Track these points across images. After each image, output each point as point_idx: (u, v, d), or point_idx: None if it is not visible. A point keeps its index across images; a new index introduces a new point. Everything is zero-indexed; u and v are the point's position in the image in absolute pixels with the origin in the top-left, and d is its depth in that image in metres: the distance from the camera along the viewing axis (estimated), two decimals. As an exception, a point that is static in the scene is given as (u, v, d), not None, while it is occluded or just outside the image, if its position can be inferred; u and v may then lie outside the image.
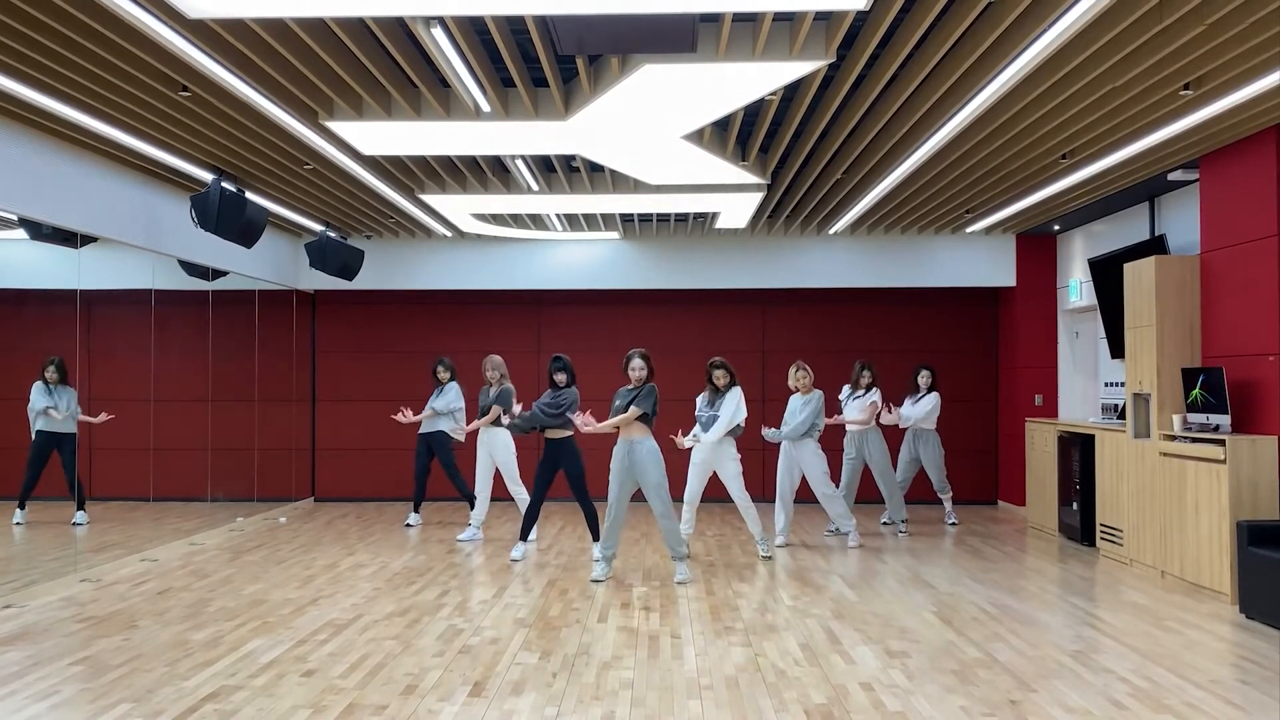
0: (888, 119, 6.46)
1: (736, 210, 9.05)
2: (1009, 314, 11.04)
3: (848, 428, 9.12)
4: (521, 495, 8.73)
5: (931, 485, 9.73)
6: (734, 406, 7.62)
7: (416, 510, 9.65)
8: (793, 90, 6.12)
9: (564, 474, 7.66)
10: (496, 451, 8.67)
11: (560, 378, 7.55)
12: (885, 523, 9.60)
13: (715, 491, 8.58)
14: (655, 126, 6.24)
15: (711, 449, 7.71)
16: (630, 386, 7.07)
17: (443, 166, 7.93)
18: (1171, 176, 7.56)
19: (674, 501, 7.15)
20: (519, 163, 7.50)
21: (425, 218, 9.63)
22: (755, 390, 11.38)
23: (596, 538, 7.55)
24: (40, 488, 9.71)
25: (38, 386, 8.18)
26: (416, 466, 9.48)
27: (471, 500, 8.94)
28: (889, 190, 8.25)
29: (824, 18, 4.92)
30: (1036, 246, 10.79)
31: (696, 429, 7.78)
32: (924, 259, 10.90)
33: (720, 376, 7.73)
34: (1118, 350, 8.54)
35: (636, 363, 7.08)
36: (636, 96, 5.59)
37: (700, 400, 7.95)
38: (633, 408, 6.93)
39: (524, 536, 7.99)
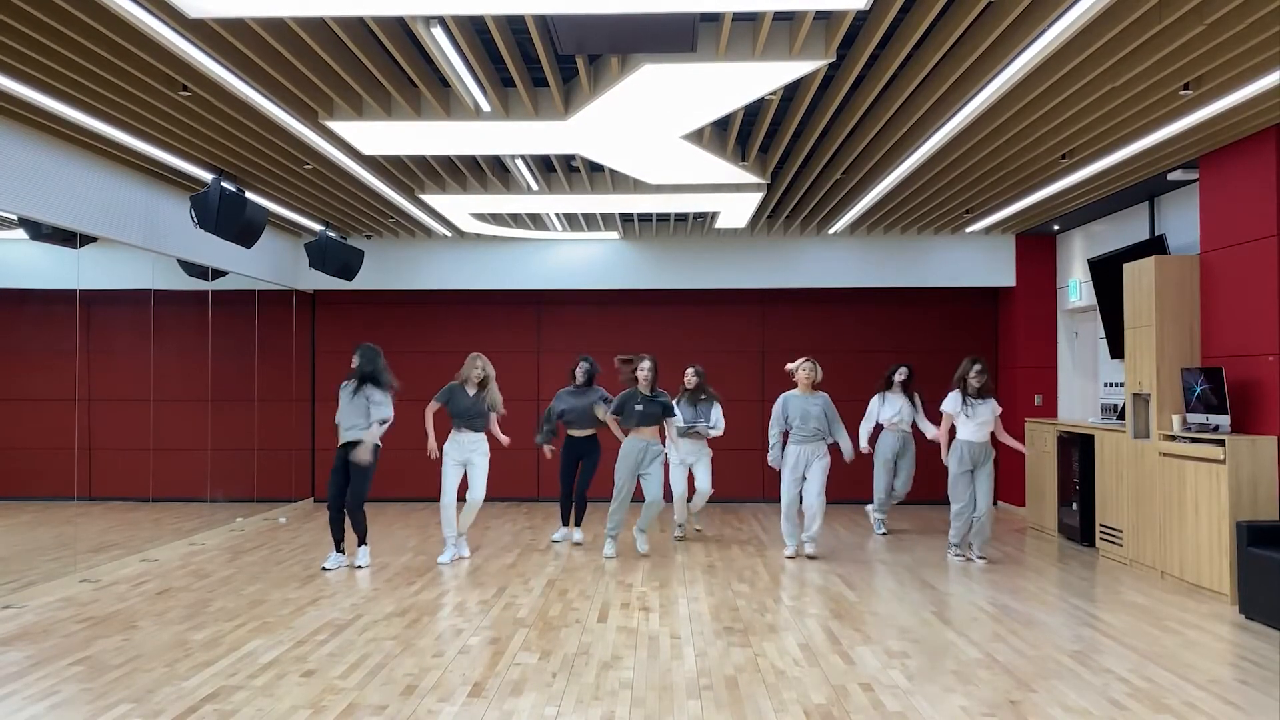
0: (888, 119, 6.46)
1: (736, 210, 9.05)
2: (1009, 314, 11.04)
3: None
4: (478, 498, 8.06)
5: (893, 490, 9.26)
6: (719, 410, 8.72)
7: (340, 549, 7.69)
8: (793, 90, 6.12)
9: (582, 467, 8.52)
10: (481, 458, 7.80)
11: (581, 371, 8.46)
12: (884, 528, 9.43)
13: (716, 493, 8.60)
14: (655, 126, 6.24)
15: (695, 447, 8.64)
16: (649, 393, 7.94)
17: (443, 166, 7.93)
18: (1171, 176, 7.56)
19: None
20: (519, 163, 7.50)
21: (425, 218, 9.63)
22: (754, 390, 11.39)
23: (565, 523, 8.70)
24: (39, 487, 9.74)
25: None
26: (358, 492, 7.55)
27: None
28: (889, 190, 8.25)
29: (824, 17, 4.93)
30: (1036, 246, 10.79)
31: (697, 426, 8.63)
32: (924, 259, 10.90)
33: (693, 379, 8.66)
34: (1117, 350, 8.54)
35: (647, 363, 7.97)
36: (636, 96, 5.59)
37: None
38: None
39: (579, 523, 8.63)
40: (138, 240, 7.83)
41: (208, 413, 9.49)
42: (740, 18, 4.90)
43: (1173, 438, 7.04)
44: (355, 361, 7.67)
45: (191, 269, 8.94)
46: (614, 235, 10.86)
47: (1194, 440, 6.79)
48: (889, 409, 9.05)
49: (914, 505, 10.80)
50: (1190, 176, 7.45)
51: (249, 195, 7.83)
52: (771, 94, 5.87)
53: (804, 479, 7.85)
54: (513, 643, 5.34)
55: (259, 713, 4.20)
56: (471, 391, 7.79)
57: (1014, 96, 5.81)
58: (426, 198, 8.53)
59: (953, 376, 7.95)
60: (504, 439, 8.02)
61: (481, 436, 7.84)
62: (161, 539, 8.38)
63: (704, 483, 8.67)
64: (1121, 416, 8.30)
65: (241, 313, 10.26)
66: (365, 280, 10.79)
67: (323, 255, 9.66)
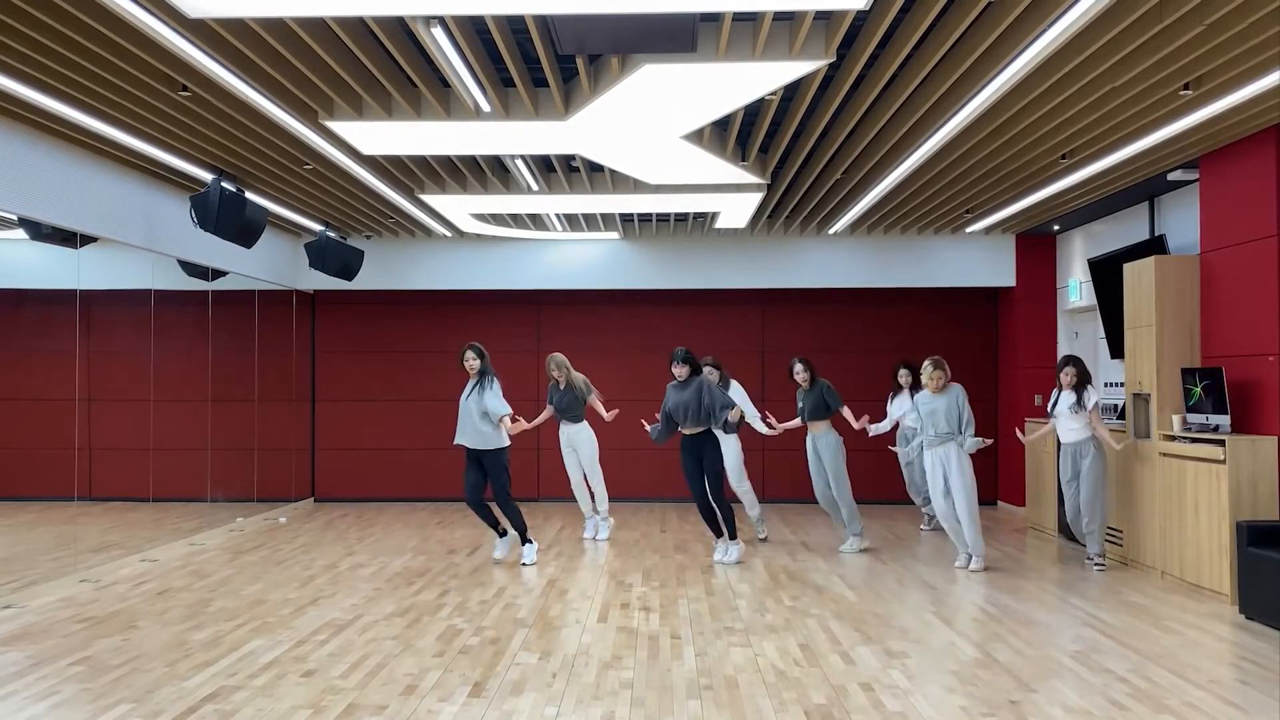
0: (888, 119, 6.46)
1: (736, 210, 9.05)
2: (1009, 314, 11.04)
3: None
4: (602, 487, 8.88)
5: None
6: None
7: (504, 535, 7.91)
8: (793, 90, 6.12)
9: (704, 469, 7.63)
10: (581, 446, 8.77)
11: (681, 370, 7.61)
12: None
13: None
14: (655, 126, 6.24)
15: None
16: (809, 387, 8.18)
17: (443, 166, 7.93)
18: (1171, 176, 7.56)
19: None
20: (519, 163, 7.50)
21: (425, 218, 9.63)
22: (755, 389, 11.36)
23: (732, 535, 7.75)
24: (39, 487, 9.73)
25: None
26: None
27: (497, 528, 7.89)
28: (889, 190, 8.25)
29: (824, 17, 4.93)
30: (1036, 246, 10.79)
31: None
32: (924, 259, 10.90)
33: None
34: (1117, 350, 8.54)
35: (799, 367, 8.21)
36: (636, 96, 5.59)
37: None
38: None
39: (733, 536, 7.77)
40: (138, 240, 7.83)
41: (208, 413, 9.49)
42: (740, 18, 4.89)
43: (1173, 438, 7.04)
44: (473, 360, 7.62)
45: (191, 269, 8.94)
46: (614, 235, 10.86)
47: (1194, 440, 6.79)
48: (902, 409, 9.00)
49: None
50: (1190, 176, 7.45)
51: (249, 195, 7.83)
52: (771, 94, 5.87)
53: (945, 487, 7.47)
54: (513, 643, 5.34)
55: (259, 713, 4.20)
56: (563, 386, 8.63)
57: (1014, 96, 5.81)
58: (426, 198, 8.53)
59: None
60: (606, 415, 8.64)
61: (579, 425, 8.75)
62: (161, 539, 8.38)
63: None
64: (1121, 416, 8.30)
65: (241, 313, 10.26)
66: (365, 280, 10.79)
67: (323, 255, 9.66)
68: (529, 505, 11.13)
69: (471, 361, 7.60)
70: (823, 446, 8.20)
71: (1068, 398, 7.51)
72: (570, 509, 10.57)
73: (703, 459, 7.63)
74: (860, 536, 8.26)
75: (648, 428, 7.88)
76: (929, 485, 7.69)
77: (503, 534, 7.84)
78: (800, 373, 8.27)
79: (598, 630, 5.61)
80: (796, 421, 8.40)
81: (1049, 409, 7.77)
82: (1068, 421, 7.54)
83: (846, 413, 8.19)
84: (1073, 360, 7.59)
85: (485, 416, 7.46)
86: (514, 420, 7.57)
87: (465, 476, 7.64)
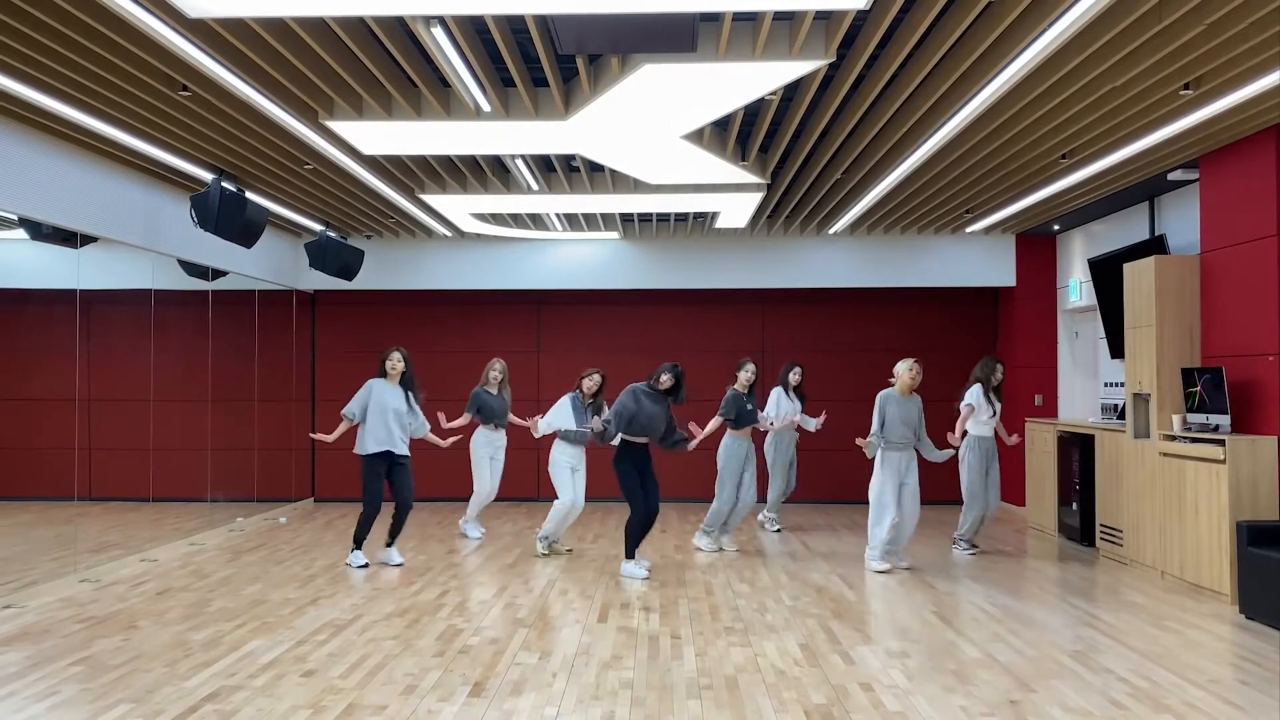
0: (888, 119, 6.46)
1: (736, 210, 9.05)
2: (1009, 314, 11.04)
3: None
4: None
5: (778, 490, 9.29)
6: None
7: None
8: (793, 90, 6.12)
9: (650, 477, 7.33)
10: (500, 453, 8.87)
11: (666, 379, 7.33)
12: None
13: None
14: (655, 126, 6.24)
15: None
16: (745, 391, 8.35)
17: (443, 166, 7.93)
18: (1171, 176, 7.56)
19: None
20: (519, 163, 7.50)
21: (425, 218, 9.63)
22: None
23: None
24: (39, 487, 9.74)
25: None
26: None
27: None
28: (889, 190, 8.25)
29: (824, 17, 4.93)
30: (1036, 246, 10.79)
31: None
32: (924, 259, 10.90)
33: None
34: (1117, 350, 8.54)
35: (752, 370, 8.45)
36: (636, 96, 5.59)
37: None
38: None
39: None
40: (138, 240, 7.83)
41: (208, 413, 9.49)
42: (740, 18, 4.89)
43: (1173, 438, 7.04)
44: (400, 363, 7.78)
45: (191, 269, 8.94)
46: (614, 235, 10.86)
47: (1194, 440, 6.79)
48: (788, 407, 9.13)
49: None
50: (1190, 176, 7.45)
51: (249, 195, 7.83)
52: (771, 94, 5.87)
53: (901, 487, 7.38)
54: (513, 643, 5.34)
55: (259, 713, 4.20)
56: (494, 392, 8.68)
57: (1014, 96, 5.81)
58: (426, 198, 8.53)
59: (971, 374, 8.36)
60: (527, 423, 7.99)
61: (501, 432, 8.82)
62: (161, 539, 8.38)
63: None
64: (1122, 416, 8.30)
65: (241, 313, 10.26)
66: (365, 280, 10.78)
67: (323, 255, 9.66)
68: (529, 505, 11.14)
69: (398, 364, 7.71)
70: (729, 445, 8.31)
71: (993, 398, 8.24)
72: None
73: (646, 466, 7.28)
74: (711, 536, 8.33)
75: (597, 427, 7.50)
76: (887, 486, 7.32)
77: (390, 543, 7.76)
78: (750, 376, 8.38)
79: (598, 630, 5.61)
80: (716, 423, 8.16)
81: (992, 412, 8.21)
82: (988, 418, 8.20)
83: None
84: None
85: (403, 424, 7.69)
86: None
87: (387, 487, 7.71)
